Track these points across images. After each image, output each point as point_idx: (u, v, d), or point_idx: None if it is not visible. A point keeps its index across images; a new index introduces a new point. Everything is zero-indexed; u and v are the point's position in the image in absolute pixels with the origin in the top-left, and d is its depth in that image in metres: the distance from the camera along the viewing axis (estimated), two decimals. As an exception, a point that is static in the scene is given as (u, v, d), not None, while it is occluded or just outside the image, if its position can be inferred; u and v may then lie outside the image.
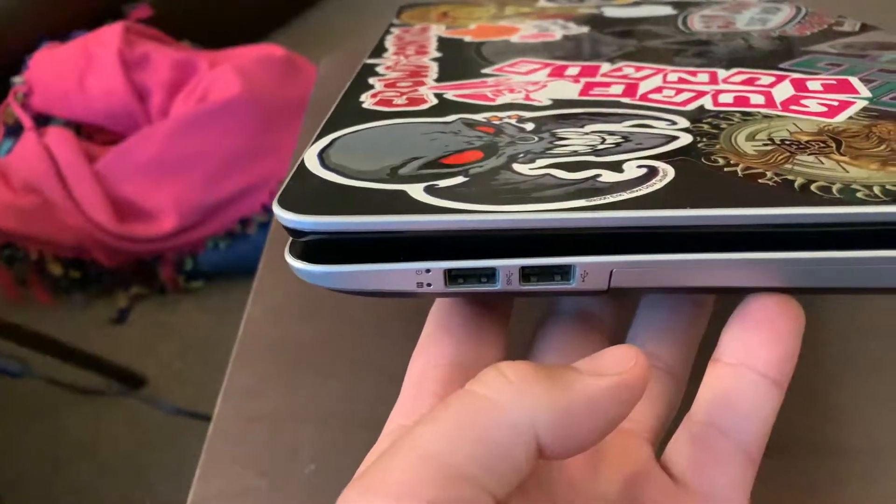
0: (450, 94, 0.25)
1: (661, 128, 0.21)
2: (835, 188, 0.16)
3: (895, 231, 0.16)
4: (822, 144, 0.19)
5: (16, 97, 1.12)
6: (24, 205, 1.03)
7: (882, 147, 0.19)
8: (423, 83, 0.27)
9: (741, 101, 0.23)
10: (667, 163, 0.18)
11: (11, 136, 1.12)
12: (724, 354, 0.18)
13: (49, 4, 1.30)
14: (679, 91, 0.24)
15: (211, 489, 0.27)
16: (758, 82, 0.25)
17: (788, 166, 0.18)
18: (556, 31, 0.34)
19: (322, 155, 0.20)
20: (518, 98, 0.24)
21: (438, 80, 0.27)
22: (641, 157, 0.19)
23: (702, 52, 0.29)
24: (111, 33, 1.13)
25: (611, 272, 0.17)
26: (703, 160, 0.18)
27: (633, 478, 0.18)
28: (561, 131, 0.21)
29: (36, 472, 0.95)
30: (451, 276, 0.17)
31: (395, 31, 0.36)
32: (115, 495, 0.92)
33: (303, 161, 0.20)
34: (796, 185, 0.17)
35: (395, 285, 0.18)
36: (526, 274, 0.17)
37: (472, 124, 0.22)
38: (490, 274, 0.17)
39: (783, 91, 0.24)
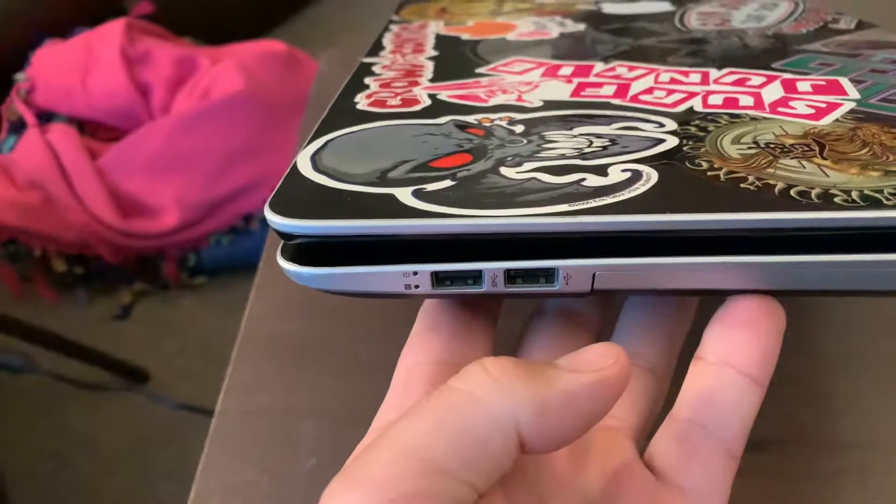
0: (443, 95, 0.25)
1: (648, 130, 0.21)
2: (814, 193, 0.17)
3: (873, 236, 0.16)
4: (805, 148, 0.19)
5: (19, 94, 1.13)
6: (27, 201, 1.04)
7: (864, 150, 0.19)
8: (417, 83, 0.27)
9: (730, 102, 0.23)
10: (651, 166, 0.19)
11: (15, 132, 1.12)
12: (707, 353, 0.19)
13: (51, 1, 1.30)
14: (670, 92, 0.25)
15: (213, 484, 0.27)
16: (748, 83, 0.25)
17: (771, 170, 0.18)
18: (553, 29, 0.34)
19: (314, 158, 0.20)
20: (510, 99, 0.25)
21: (433, 79, 0.27)
22: (627, 160, 0.19)
23: (696, 51, 0.30)
24: (113, 30, 1.13)
25: (593, 275, 0.17)
26: (687, 164, 0.19)
27: (615, 473, 0.19)
28: (550, 134, 0.21)
29: (38, 466, 0.95)
30: (438, 279, 0.18)
31: (394, 27, 0.37)
32: (117, 490, 0.92)
33: (295, 164, 0.20)
34: (776, 189, 0.17)
35: (383, 287, 0.18)
36: (511, 276, 0.18)
37: (463, 126, 0.22)
38: (476, 276, 0.18)
39: (773, 92, 0.24)
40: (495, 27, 0.35)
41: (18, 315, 0.90)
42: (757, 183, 0.17)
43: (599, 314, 0.23)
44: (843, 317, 0.31)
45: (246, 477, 0.28)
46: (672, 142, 0.20)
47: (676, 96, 0.24)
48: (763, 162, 0.18)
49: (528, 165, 0.19)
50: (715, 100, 0.24)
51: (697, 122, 0.22)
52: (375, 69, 0.29)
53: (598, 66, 0.28)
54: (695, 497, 0.18)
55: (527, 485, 0.18)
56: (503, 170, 0.19)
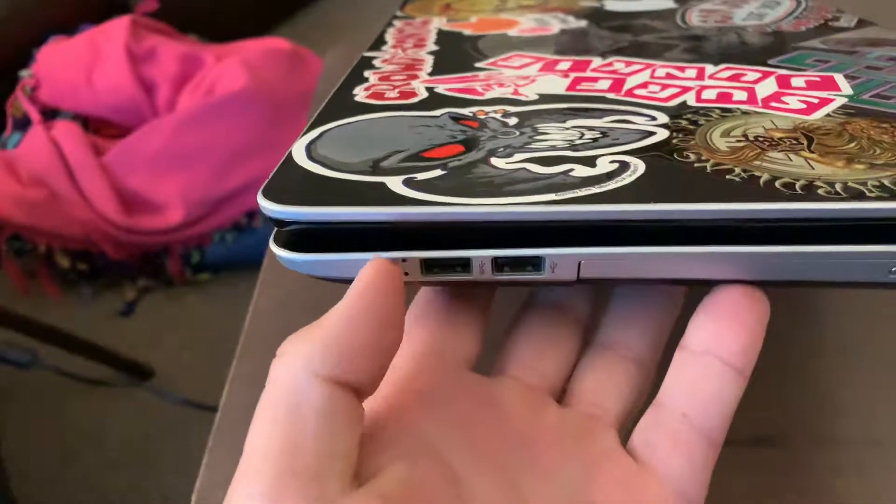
0: (440, 88, 0.26)
1: (640, 123, 0.21)
2: (798, 185, 0.17)
3: (856, 227, 0.16)
4: (794, 141, 0.19)
5: (24, 91, 1.13)
6: (32, 198, 1.04)
7: (852, 144, 0.19)
8: (416, 77, 0.27)
9: (723, 97, 0.23)
10: (639, 158, 0.19)
11: (20, 129, 1.13)
12: (691, 342, 0.19)
13: (57, -2, 1.31)
14: (665, 87, 0.25)
15: (217, 478, 0.27)
16: (743, 78, 0.25)
17: (757, 163, 0.18)
18: (555, 25, 0.35)
19: (310, 147, 0.21)
20: (506, 93, 0.25)
21: (432, 73, 0.28)
22: (616, 152, 0.19)
23: (694, 47, 0.30)
24: (118, 27, 1.14)
25: (579, 264, 0.18)
26: (675, 156, 0.19)
27: (594, 460, 0.19)
28: (542, 126, 0.21)
29: (44, 462, 0.96)
30: (427, 265, 0.18)
31: (397, 23, 0.37)
32: (122, 485, 0.93)
33: (290, 153, 0.20)
34: (761, 181, 0.17)
35: None
36: (499, 264, 0.18)
37: (457, 118, 0.22)
38: (464, 263, 0.18)
39: (766, 87, 0.24)
40: (497, 23, 0.35)
41: (23, 311, 0.91)
42: (742, 174, 0.17)
43: (587, 307, 0.23)
44: (846, 311, 0.31)
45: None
46: (662, 134, 0.20)
47: (671, 91, 0.24)
48: (750, 154, 0.19)
49: (518, 156, 0.19)
50: (708, 94, 0.24)
51: (689, 115, 0.22)
52: (376, 63, 0.29)
53: (596, 62, 0.28)
54: (674, 483, 0.18)
55: (506, 473, 0.18)
56: (493, 160, 0.19)
